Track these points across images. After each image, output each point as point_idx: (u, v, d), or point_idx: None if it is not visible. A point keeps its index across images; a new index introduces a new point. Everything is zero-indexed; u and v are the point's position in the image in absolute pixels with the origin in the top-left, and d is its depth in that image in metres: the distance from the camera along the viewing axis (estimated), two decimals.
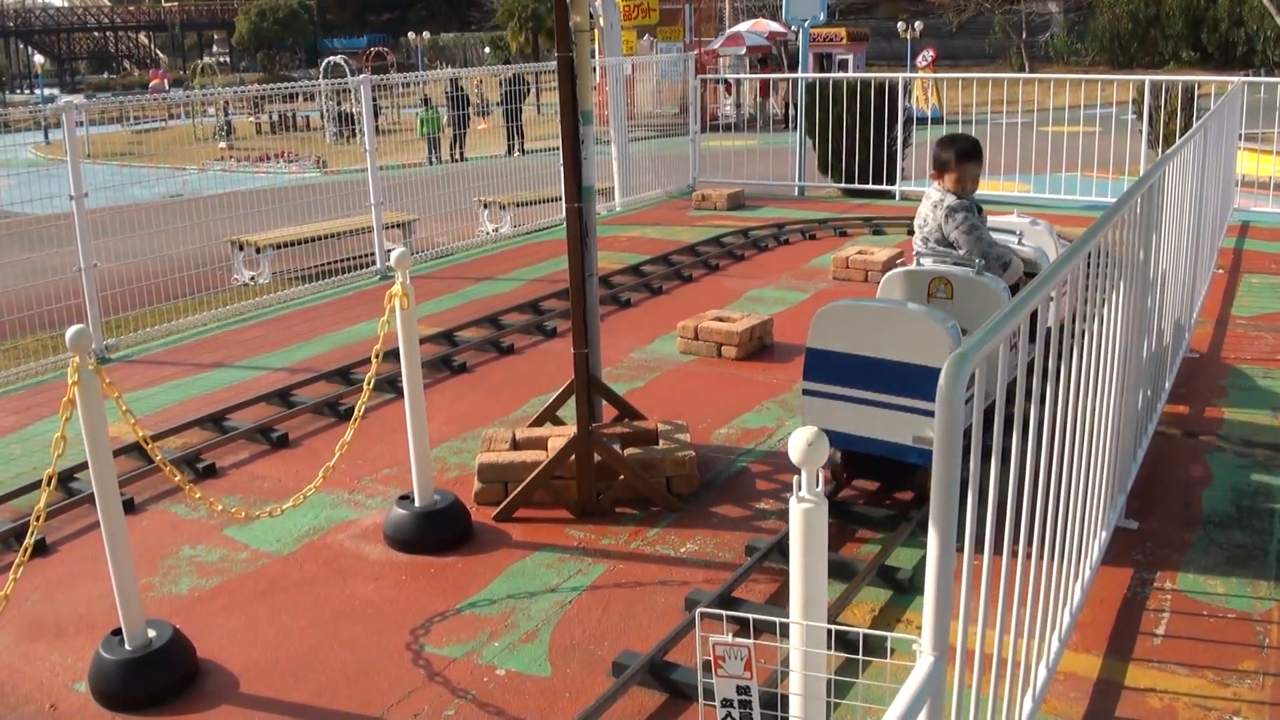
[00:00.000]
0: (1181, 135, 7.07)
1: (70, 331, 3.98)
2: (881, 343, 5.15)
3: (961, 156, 5.96)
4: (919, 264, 6.01)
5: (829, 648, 2.88)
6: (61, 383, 4.14)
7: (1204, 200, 7.47)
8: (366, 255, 11.95)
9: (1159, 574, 4.79)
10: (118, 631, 4.29)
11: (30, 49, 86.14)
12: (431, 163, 22.46)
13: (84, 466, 4.70)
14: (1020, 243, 6.45)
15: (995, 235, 6.18)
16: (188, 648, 4.37)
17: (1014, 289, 5.82)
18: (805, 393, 5.45)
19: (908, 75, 18.22)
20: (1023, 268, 6.10)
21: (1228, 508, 5.39)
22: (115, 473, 4.28)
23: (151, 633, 4.31)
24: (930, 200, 6.07)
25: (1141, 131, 15.05)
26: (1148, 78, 14.87)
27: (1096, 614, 4.47)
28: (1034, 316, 3.04)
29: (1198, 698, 3.94)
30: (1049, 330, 3.18)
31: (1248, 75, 16.27)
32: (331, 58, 41.73)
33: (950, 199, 5.96)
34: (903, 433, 5.06)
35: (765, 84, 30.73)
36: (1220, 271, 9.92)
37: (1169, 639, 4.31)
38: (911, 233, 11.34)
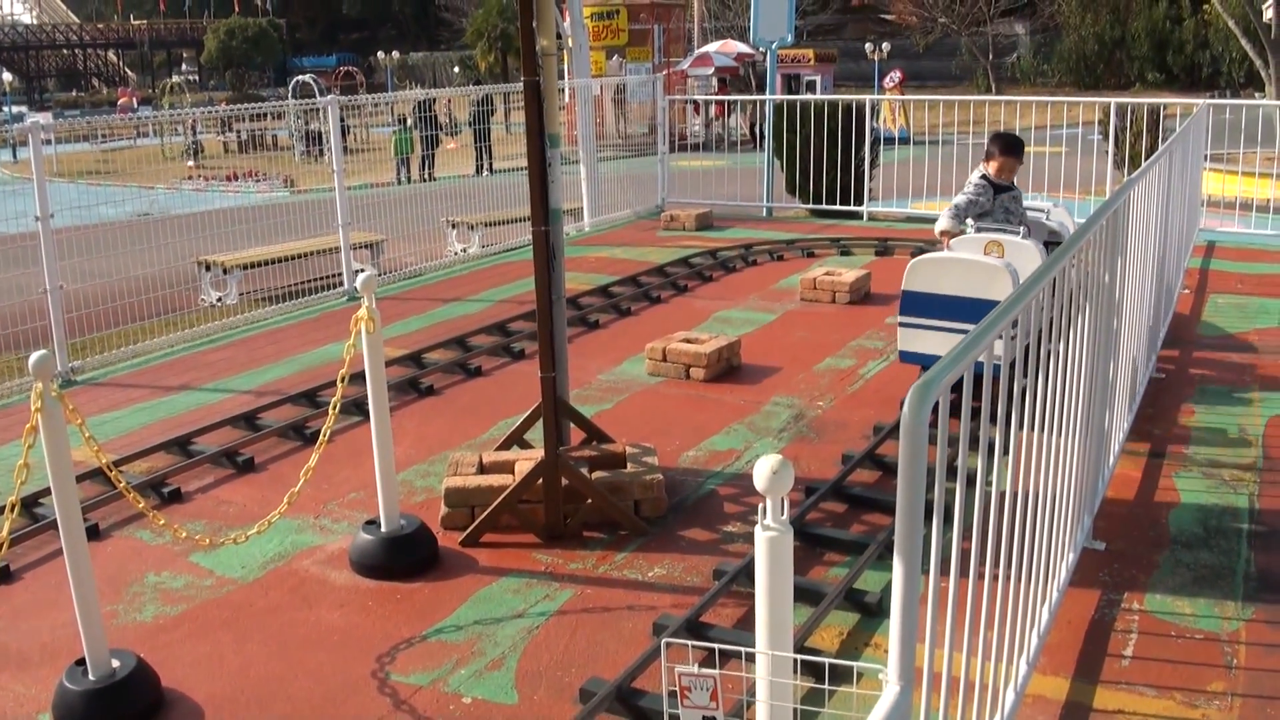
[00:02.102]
0: (1147, 156, 7.54)
1: (33, 358, 3.94)
2: (958, 284, 6.84)
3: (1004, 150, 7.50)
4: (976, 231, 7.39)
5: (795, 676, 2.87)
6: (26, 405, 4.09)
7: (1170, 221, 7.52)
8: (334, 276, 11.89)
9: (1126, 595, 4.80)
10: (81, 661, 4.24)
11: None
12: (400, 182, 22.43)
13: (49, 491, 4.65)
14: (1048, 218, 7.98)
15: (1030, 213, 7.79)
16: (152, 678, 4.32)
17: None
18: (901, 325, 7.14)
19: (875, 97, 18.29)
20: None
21: (1195, 528, 5.41)
22: (79, 500, 4.24)
23: (115, 662, 4.26)
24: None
25: (1108, 152, 15.16)
26: (1113, 100, 14.98)
27: (1064, 636, 4.48)
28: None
29: (1166, 719, 3.95)
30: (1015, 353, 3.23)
31: (1213, 97, 16.45)
32: (300, 77, 41.60)
33: (975, 176, 7.57)
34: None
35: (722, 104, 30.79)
36: (1186, 291, 9.99)
37: (1137, 660, 4.32)
38: (880, 253, 11.92)
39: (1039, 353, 3.40)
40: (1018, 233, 7.26)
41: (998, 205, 7.51)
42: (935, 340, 6.91)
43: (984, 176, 7.54)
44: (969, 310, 6.65)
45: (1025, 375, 3.39)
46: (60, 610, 4.89)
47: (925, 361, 6.96)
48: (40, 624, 4.94)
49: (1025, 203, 7.82)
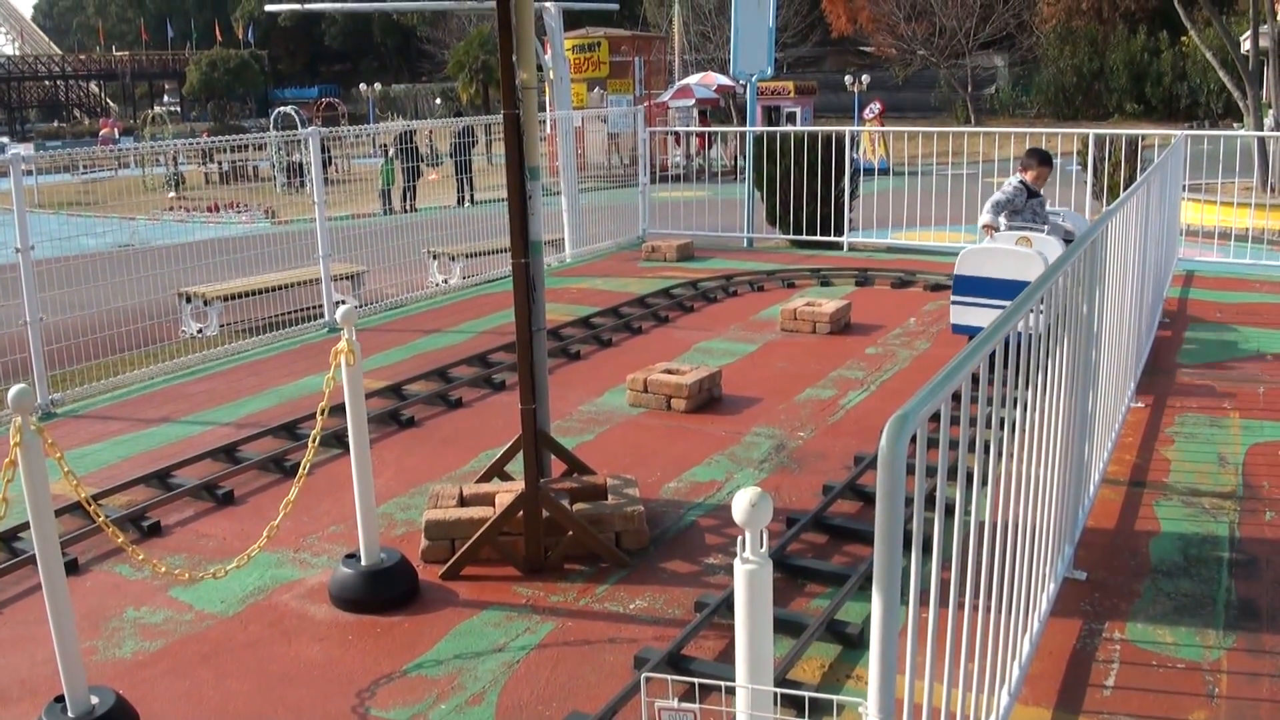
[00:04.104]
0: (1126, 186, 7.85)
1: (12, 391, 3.93)
2: (999, 268, 8.59)
3: (1040, 162, 9.35)
4: (1007, 229, 9.17)
5: (775, 710, 2.86)
6: (5, 439, 4.07)
7: (1148, 251, 7.56)
8: (315, 308, 11.87)
9: (1108, 624, 4.80)
10: (60, 698, 4.20)
11: None
12: (385, 213, 22.43)
13: (28, 526, 4.62)
14: (1063, 221, 9.66)
15: (1050, 216, 9.55)
16: (131, 715, 4.28)
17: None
18: (953, 302, 9.02)
19: (855, 128, 18.37)
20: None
21: (1175, 557, 5.42)
22: (58, 535, 4.21)
23: (94, 699, 4.22)
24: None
25: (1086, 182, 15.26)
26: (1092, 130, 15.07)
27: (1045, 666, 4.47)
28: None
29: None
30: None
31: (1191, 128, 16.56)
32: (282, 108, 41.65)
33: (1015, 179, 9.35)
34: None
35: (703, 136, 30.95)
36: (1166, 321, 10.03)
37: (1119, 690, 4.32)
38: (860, 284, 12.13)
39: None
40: (1042, 230, 9.06)
41: (1028, 207, 9.25)
42: (981, 314, 8.62)
43: (1022, 182, 9.29)
44: (1008, 289, 8.13)
45: (1005, 406, 3.41)
46: (40, 646, 4.86)
47: (973, 332, 8.08)
48: (19, 660, 4.90)
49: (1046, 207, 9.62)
